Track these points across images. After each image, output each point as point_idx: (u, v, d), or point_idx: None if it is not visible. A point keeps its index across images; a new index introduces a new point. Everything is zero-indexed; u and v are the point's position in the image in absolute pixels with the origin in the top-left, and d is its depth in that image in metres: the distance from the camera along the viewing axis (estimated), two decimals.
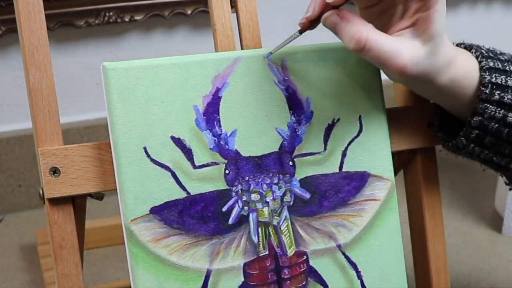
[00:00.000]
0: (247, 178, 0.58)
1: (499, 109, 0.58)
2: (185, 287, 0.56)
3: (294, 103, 0.59)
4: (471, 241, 0.97)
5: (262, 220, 0.58)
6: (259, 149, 0.58)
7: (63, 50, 1.04)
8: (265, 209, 0.58)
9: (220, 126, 0.57)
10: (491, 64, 0.59)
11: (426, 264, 0.67)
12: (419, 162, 0.66)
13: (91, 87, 1.07)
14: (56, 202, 0.55)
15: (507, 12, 1.33)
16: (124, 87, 0.54)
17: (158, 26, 1.08)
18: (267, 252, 0.58)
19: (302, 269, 0.59)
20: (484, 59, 0.59)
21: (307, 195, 0.59)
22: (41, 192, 0.55)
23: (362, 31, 0.52)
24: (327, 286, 0.60)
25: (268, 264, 0.58)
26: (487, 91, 0.58)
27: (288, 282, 0.59)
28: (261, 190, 0.58)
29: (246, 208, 0.58)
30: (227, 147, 0.57)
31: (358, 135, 0.61)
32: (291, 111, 0.59)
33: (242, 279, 0.57)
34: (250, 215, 0.58)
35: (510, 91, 0.59)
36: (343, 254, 0.60)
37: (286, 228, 0.59)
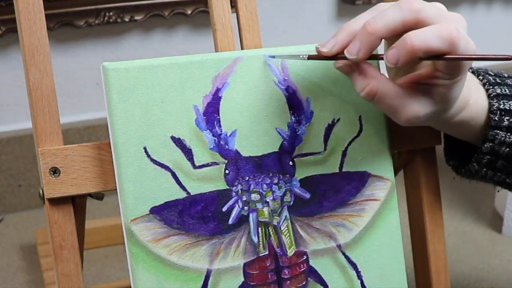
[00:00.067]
0: (247, 178, 0.57)
1: (509, 134, 0.59)
2: (185, 287, 0.56)
3: (294, 103, 0.59)
4: (471, 241, 0.97)
5: (262, 220, 0.58)
6: (259, 149, 0.58)
7: (63, 50, 1.04)
8: (265, 209, 0.58)
9: (220, 126, 0.57)
10: (498, 90, 0.60)
11: (426, 264, 0.67)
12: (419, 162, 0.66)
13: (91, 87, 1.07)
14: (56, 202, 0.55)
15: (507, 12, 1.33)
16: (124, 87, 0.54)
17: (158, 26, 1.08)
18: (267, 252, 0.58)
19: (302, 269, 0.59)
20: (491, 87, 0.60)
21: (307, 195, 0.59)
22: (41, 192, 0.55)
23: (374, 84, 0.52)
24: (327, 286, 0.60)
25: (268, 264, 0.58)
26: (496, 118, 0.59)
27: (288, 282, 0.59)
28: (261, 190, 0.58)
29: (246, 208, 0.58)
30: (227, 147, 0.57)
31: (358, 135, 0.61)
32: (291, 111, 0.59)
33: (242, 279, 0.57)
34: (250, 215, 0.58)
35: None
36: (343, 254, 0.60)
37: (286, 228, 0.59)
